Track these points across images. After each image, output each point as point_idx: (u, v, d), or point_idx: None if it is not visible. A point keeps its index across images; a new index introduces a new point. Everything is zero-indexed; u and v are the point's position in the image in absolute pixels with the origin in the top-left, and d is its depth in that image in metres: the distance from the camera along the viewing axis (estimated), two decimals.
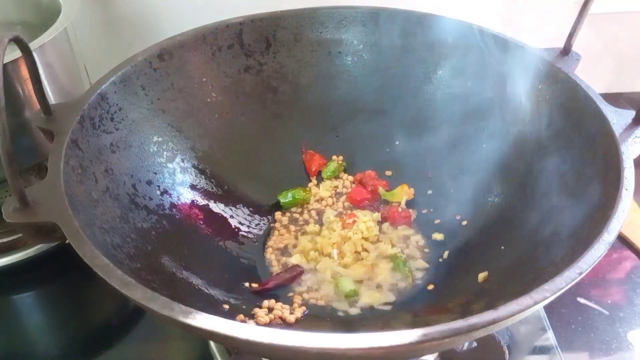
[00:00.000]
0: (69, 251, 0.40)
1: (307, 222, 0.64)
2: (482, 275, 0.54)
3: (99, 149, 0.52)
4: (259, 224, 0.64)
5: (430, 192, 0.65)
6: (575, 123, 0.54)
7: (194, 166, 0.62)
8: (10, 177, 0.40)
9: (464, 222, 0.61)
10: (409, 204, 0.65)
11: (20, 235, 0.62)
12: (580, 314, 0.59)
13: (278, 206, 0.66)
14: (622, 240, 0.66)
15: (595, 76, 0.58)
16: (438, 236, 0.62)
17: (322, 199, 0.67)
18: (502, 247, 0.55)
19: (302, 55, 0.67)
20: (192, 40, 0.62)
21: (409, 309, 0.55)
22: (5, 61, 0.40)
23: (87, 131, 0.51)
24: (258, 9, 0.65)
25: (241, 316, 0.52)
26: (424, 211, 0.64)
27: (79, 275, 0.60)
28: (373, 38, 0.67)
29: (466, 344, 0.54)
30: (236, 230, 0.62)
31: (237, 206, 0.64)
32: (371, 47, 0.67)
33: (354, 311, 0.55)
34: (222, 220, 0.62)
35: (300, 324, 0.53)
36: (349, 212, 0.65)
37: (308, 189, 0.67)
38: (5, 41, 0.40)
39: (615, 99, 0.53)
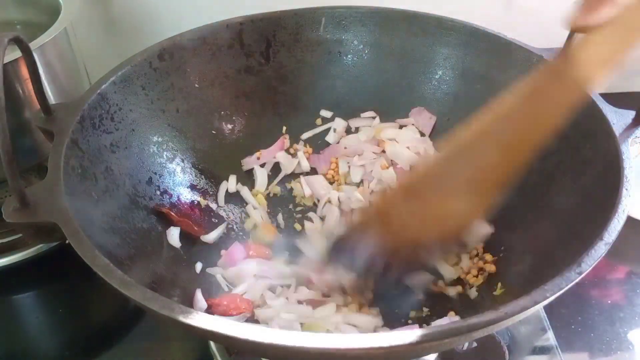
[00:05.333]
0: (69, 251, 0.39)
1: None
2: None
3: (99, 149, 0.52)
4: None
5: None
6: (575, 123, 0.54)
7: (194, 166, 0.62)
8: (10, 177, 0.40)
9: None
10: None
11: (20, 235, 0.62)
12: (580, 314, 0.59)
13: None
14: None
15: None
16: None
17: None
18: (502, 248, 0.55)
19: (302, 55, 0.67)
20: (192, 40, 0.61)
21: None
22: (5, 61, 0.39)
23: (87, 131, 0.51)
24: (258, 9, 0.65)
25: None
26: None
27: (79, 275, 0.60)
28: (373, 38, 0.67)
29: (466, 344, 0.54)
30: (236, 229, 0.62)
31: (238, 206, 0.64)
32: (371, 47, 0.67)
33: None
34: (221, 220, 0.62)
35: None
36: None
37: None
38: (5, 41, 0.40)
39: (615, 99, 0.53)
